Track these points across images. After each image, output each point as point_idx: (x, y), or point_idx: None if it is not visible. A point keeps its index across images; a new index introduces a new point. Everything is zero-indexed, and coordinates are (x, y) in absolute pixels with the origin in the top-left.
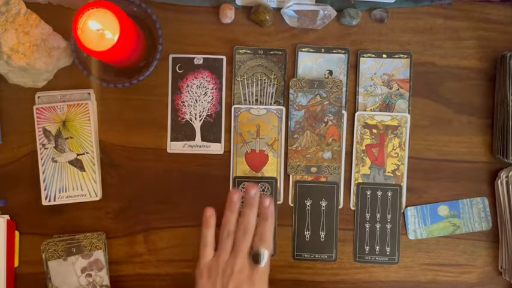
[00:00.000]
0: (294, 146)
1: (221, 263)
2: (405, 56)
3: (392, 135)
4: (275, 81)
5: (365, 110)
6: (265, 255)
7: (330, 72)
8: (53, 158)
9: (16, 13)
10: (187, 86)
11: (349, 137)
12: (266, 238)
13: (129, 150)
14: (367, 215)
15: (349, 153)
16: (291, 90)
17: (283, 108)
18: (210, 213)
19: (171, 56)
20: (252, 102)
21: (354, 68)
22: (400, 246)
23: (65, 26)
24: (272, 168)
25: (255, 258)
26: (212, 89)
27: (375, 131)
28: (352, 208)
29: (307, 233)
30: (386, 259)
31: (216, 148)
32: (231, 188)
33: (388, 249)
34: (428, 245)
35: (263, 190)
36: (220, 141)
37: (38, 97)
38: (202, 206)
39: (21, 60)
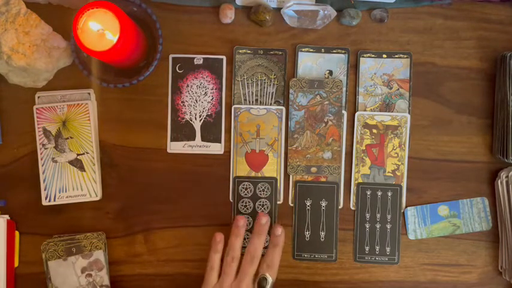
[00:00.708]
0: (294, 146)
1: (226, 285)
2: (405, 56)
3: (392, 135)
4: (275, 81)
5: (365, 110)
6: (270, 281)
7: (330, 72)
8: (53, 158)
9: (16, 13)
10: (187, 86)
11: (349, 137)
12: (274, 265)
13: (129, 150)
14: (367, 215)
15: (349, 153)
16: (291, 90)
17: (283, 108)
18: (220, 239)
19: (171, 56)
20: (252, 102)
21: (354, 68)
22: (400, 246)
23: (65, 26)
24: (272, 168)
25: (260, 284)
26: (212, 89)
27: (374, 131)
28: (352, 208)
29: (307, 233)
30: (386, 259)
31: (216, 148)
32: (236, 215)
33: (388, 249)
34: (428, 245)
35: (263, 190)
36: (220, 141)
37: (38, 97)
38: (202, 206)
39: (21, 60)
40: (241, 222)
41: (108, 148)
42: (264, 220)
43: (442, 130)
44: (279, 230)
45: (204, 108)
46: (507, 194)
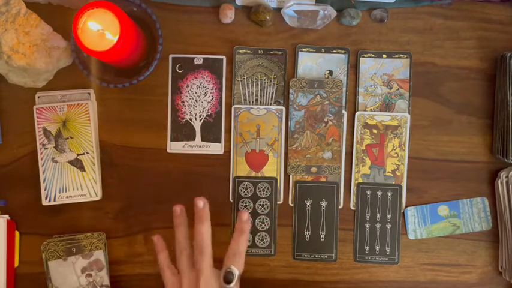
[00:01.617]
0: (294, 146)
1: (184, 284)
2: (405, 56)
3: (392, 135)
4: (275, 81)
5: (365, 110)
6: (236, 274)
7: (330, 72)
8: (53, 158)
9: (16, 13)
10: (187, 86)
11: (349, 137)
12: (240, 254)
13: (129, 150)
14: (367, 215)
15: (349, 153)
16: (291, 90)
17: (283, 108)
18: (156, 240)
19: (171, 56)
20: (252, 102)
21: (354, 68)
22: (400, 246)
23: (65, 26)
24: (272, 168)
25: (226, 278)
26: (212, 89)
27: (374, 131)
28: (352, 208)
29: (307, 233)
30: (386, 259)
31: (216, 148)
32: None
33: (388, 249)
34: (428, 245)
35: (263, 190)
36: (220, 141)
37: (38, 97)
38: None
39: (21, 60)
40: (178, 209)
41: (108, 148)
42: (201, 203)
43: (442, 130)
44: (245, 216)
45: (204, 108)
46: (507, 194)
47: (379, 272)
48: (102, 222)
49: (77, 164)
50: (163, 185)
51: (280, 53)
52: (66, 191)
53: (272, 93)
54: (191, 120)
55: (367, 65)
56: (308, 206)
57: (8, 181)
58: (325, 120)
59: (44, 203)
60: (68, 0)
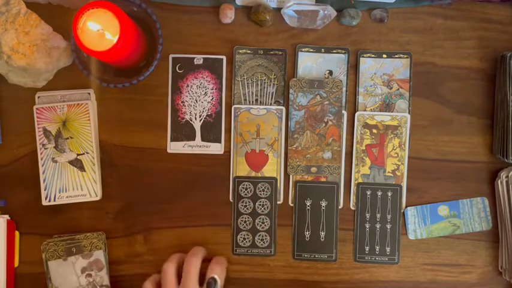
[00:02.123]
0: (294, 146)
1: None
2: (405, 56)
3: (392, 135)
4: (275, 81)
5: (365, 110)
6: (218, 282)
7: (330, 72)
8: (53, 158)
9: (16, 13)
10: (187, 86)
11: (349, 137)
12: (215, 268)
13: (129, 150)
14: (367, 215)
15: (349, 153)
16: (291, 90)
17: (283, 108)
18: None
19: (171, 56)
20: (252, 102)
21: (354, 68)
22: (400, 246)
23: (65, 26)
24: (272, 168)
25: (208, 286)
26: (212, 89)
27: (375, 131)
28: (352, 208)
29: (307, 233)
30: (386, 259)
31: (216, 148)
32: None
33: (388, 249)
34: (428, 245)
35: (263, 190)
36: (220, 141)
37: (38, 97)
38: (202, 206)
39: (21, 60)
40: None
41: (108, 148)
42: (203, 249)
43: (442, 130)
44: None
45: (204, 108)
46: (507, 194)
47: (379, 272)
48: (102, 222)
49: (77, 164)
50: (163, 185)
51: (280, 53)
52: (66, 191)
53: (272, 93)
54: (191, 120)
55: (367, 65)
56: (308, 206)
57: (8, 181)
58: (325, 120)
59: (44, 203)
60: (68, 0)
